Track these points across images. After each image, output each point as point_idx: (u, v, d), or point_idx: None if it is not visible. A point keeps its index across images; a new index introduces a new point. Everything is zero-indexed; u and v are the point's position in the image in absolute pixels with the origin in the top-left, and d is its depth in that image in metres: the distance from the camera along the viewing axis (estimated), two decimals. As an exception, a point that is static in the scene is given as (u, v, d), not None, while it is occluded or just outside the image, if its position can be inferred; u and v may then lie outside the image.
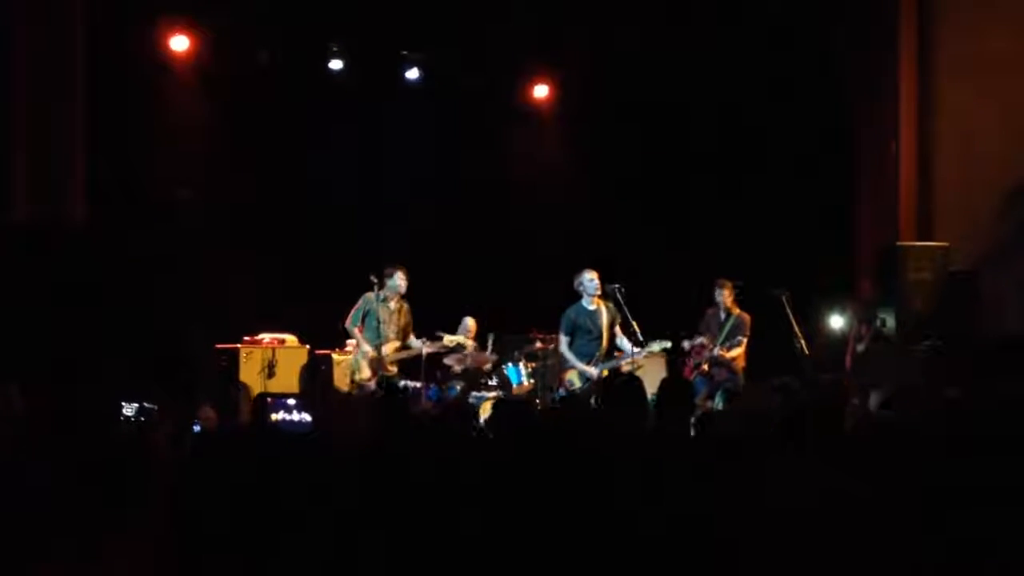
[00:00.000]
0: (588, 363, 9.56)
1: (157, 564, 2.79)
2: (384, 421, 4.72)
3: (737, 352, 10.17)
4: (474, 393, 10.76)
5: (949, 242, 10.62)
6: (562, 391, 9.70)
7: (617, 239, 12.38)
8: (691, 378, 10.10)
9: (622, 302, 9.61)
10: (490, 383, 10.98)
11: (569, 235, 12.65)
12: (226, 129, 11.98)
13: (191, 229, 11.71)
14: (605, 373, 9.38)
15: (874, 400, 7.18)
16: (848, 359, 10.42)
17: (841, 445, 4.07)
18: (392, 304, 10.13)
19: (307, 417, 6.95)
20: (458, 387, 10.98)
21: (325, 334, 10.81)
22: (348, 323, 10.12)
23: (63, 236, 9.30)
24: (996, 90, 10.81)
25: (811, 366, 9.94)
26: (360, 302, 10.13)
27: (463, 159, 12.92)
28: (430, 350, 10.23)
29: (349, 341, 10.55)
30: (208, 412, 6.02)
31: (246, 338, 10.76)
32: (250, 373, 10.55)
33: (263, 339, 10.78)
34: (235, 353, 10.63)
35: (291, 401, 7.72)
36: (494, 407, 8.42)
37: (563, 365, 9.91)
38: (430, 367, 10.83)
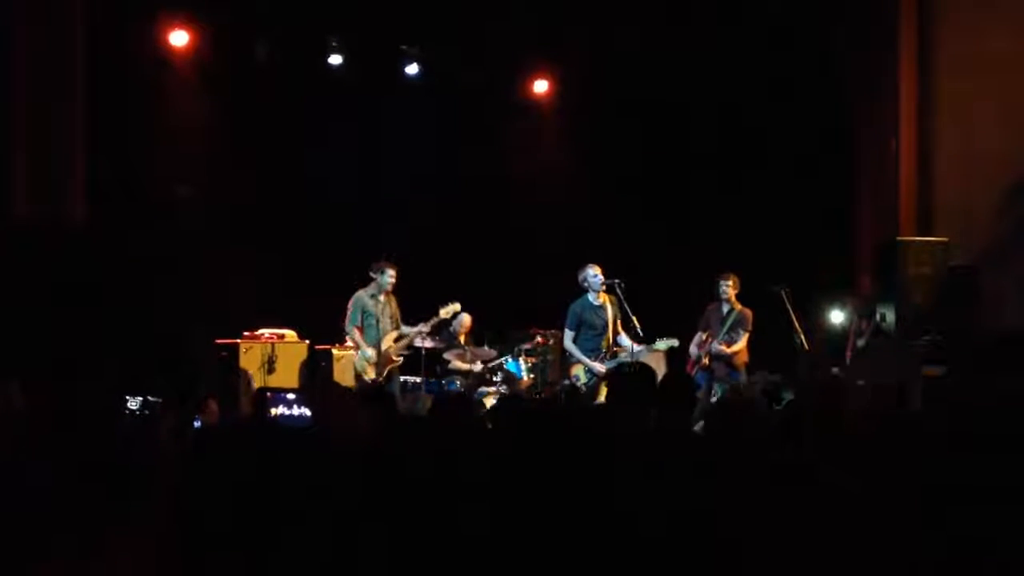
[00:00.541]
0: (593, 358, 9.55)
1: (159, 560, 2.80)
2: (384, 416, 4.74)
3: (738, 347, 10.17)
4: (481, 388, 10.80)
5: (949, 238, 10.62)
6: (567, 385, 9.69)
7: (617, 235, 12.38)
8: (692, 373, 10.11)
9: (622, 297, 9.61)
10: (494, 379, 11.00)
11: (569, 231, 12.65)
12: (225, 125, 11.98)
13: (191, 226, 11.72)
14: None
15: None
16: (848, 354, 10.43)
17: (840, 443, 4.07)
18: (381, 298, 10.13)
19: (306, 412, 6.95)
20: (457, 382, 11.01)
21: (325, 329, 10.82)
22: (347, 325, 10.11)
23: (63, 235, 9.29)
24: (995, 88, 10.80)
25: (809, 362, 9.95)
26: (352, 302, 10.12)
27: (462, 155, 12.92)
28: (426, 330, 10.19)
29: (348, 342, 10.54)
30: (211, 406, 6.02)
31: (246, 333, 10.76)
32: (250, 368, 10.55)
33: (263, 334, 10.78)
34: (235, 348, 10.63)
35: (291, 396, 7.72)
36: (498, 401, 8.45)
37: (568, 360, 9.90)
38: (430, 362, 10.87)
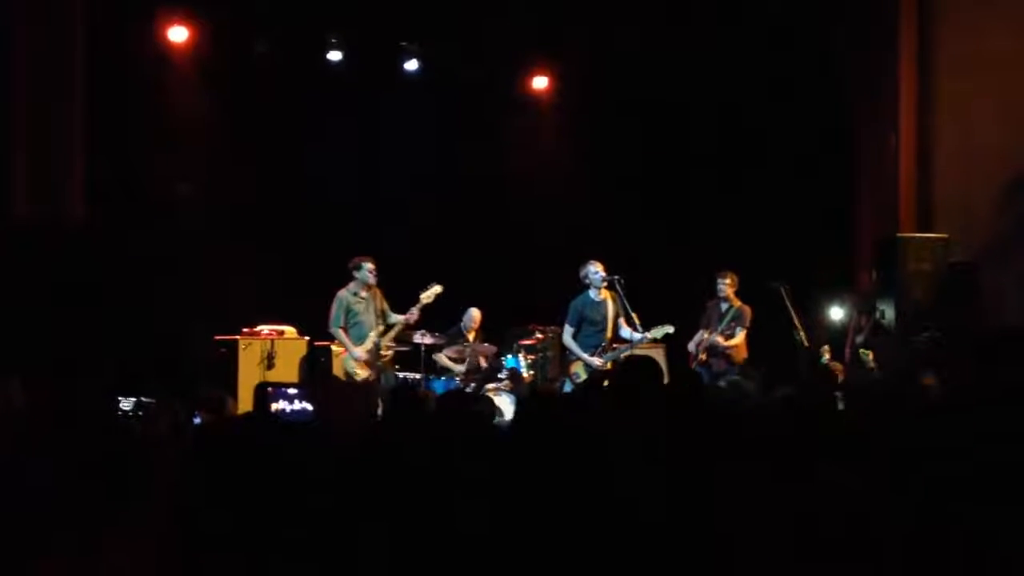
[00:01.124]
0: (593, 354, 9.54)
1: (159, 557, 2.80)
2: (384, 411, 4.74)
3: (735, 341, 10.16)
4: (488, 385, 10.81)
5: (948, 234, 10.62)
6: (568, 383, 9.68)
7: (617, 232, 12.37)
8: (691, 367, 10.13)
9: (622, 293, 9.60)
10: (499, 376, 11.00)
11: (568, 227, 12.64)
12: (225, 122, 11.97)
13: (190, 223, 11.72)
14: (610, 365, 9.38)
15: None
16: (847, 351, 10.44)
17: (837, 440, 4.06)
18: (363, 294, 9.95)
19: (308, 407, 6.94)
20: (457, 379, 11.01)
21: (324, 326, 10.81)
22: (331, 326, 9.93)
23: (62, 234, 9.29)
24: (995, 86, 10.80)
25: (808, 359, 9.95)
26: (335, 303, 9.92)
27: (462, 151, 12.91)
28: (413, 317, 10.07)
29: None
30: (228, 404, 6.01)
31: (245, 330, 10.75)
32: (249, 364, 10.54)
33: (262, 331, 10.77)
34: (234, 344, 10.62)
35: (291, 391, 7.70)
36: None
37: (568, 357, 9.88)
38: (428, 359, 10.87)
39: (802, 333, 10.03)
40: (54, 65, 10.38)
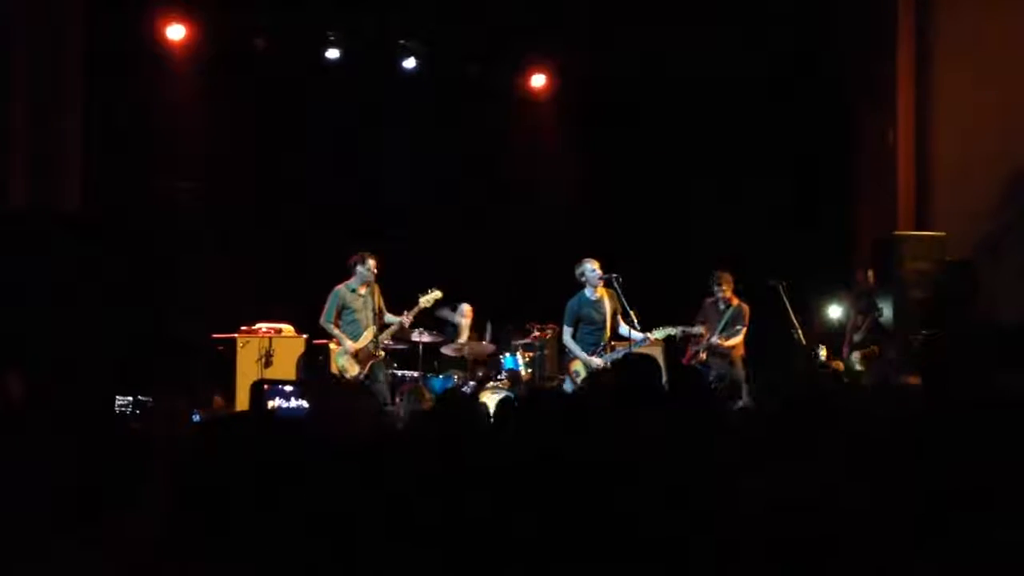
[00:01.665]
0: (592, 352, 9.52)
1: (155, 554, 2.79)
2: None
3: (735, 341, 10.18)
4: (487, 384, 10.80)
5: (946, 232, 10.64)
6: (568, 382, 9.68)
7: (615, 230, 12.38)
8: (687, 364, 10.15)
9: (620, 292, 9.59)
10: (498, 376, 11.00)
11: (567, 226, 12.65)
12: (223, 119, 11.95)
13: (188, 221, 11.72)
14: (609, 366, 9.37)
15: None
16: (845, 349, 10.45)
17: (835, 440, 4.05)
18: (363, 291, 9.91)
19: (304, 404, 6.94)
20: (456, 377, 11.00)
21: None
22: (323, 320, 9.88)
23: (60, 229, 9.27)
24: (994, 83, 10.81)
25: (806, 356, 9.96)
26: (331, 297, 9.87)
27: (460, 149, 12.91)
28: (408, 320, 10.08)
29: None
30: (216, 400, 6.03)
31: (243, 327, 10.75)
32: (247, 362, 10.54)
33: (260, 328, 10.76)
34: (232, 342, 10.62)
35: (288, 388, 7.70)
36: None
37: (568, 356, 9.86)
38: (428, 357, 10.88)
39: (799, 331, 10.03)
40: (53, 63, 10.37)
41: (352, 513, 3.06)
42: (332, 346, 10.68)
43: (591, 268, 9.57)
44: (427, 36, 12.76)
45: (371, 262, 9.84)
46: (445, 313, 11.36)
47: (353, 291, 9.90)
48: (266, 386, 6.71)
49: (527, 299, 11.91)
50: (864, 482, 3.47)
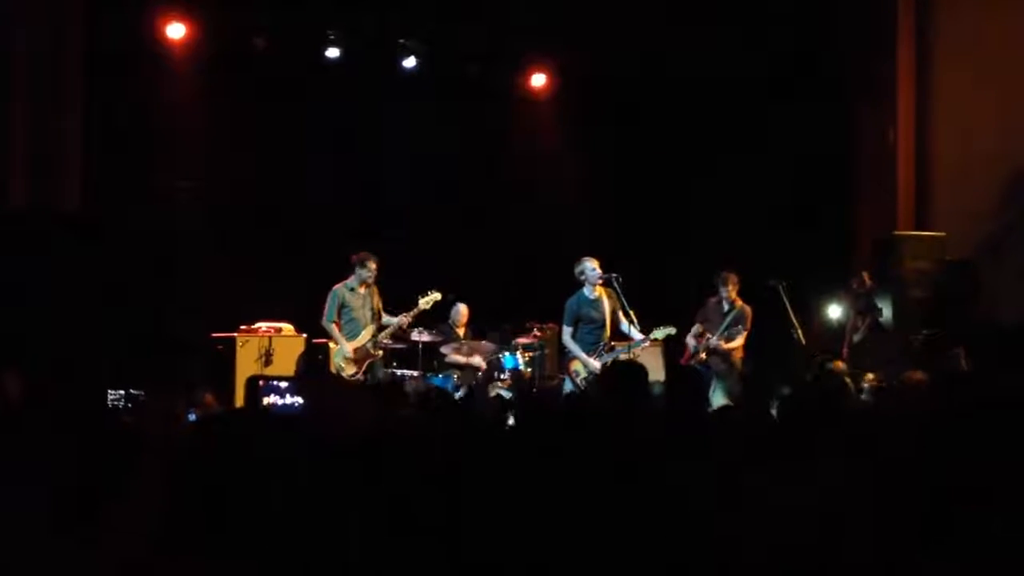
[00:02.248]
0: (592, 352, 9.51)
1: (150, 554, 2.79)
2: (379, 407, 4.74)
3: (736, 344, 10.16)
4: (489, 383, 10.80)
5: (946, 231, 10.63)
6: (569, 381, 9.67)
7: (615, 230, 12.37)
8: (686, 364, 10.13)
9: (620, 291, 9.57)
10: (500, 376, 10.99)
11: (567, 225, 12.64)
12: (223, 119, 11.94)
13: (188, 220, 11.72)
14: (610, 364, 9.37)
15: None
16: (845, 350, 10.42)
17: (839, 439, 4.05)
18: (362, 291, 9.95)
19: (299, 400, 6.93)
20: (455, 376, 11.00)
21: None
22: (324, 320, 9.94)
23: (59, 229, 9.26)
24: (994, 82, 10.81)
25: (804, 356, 9.94)
26: (331, 297, 9.92)
27: (460, 148, 12.91)
28: (408, 321, 10.09)
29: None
30: (207, 398, 6.01)
31: (243, 326, 10.75)
32: (247, 361, 10.53)
33: (260, 327, 10.76)
34: (231, 341, 10.61)
35: (283, 384, 7.67)
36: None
37: (568, 356, 9.86)
38: (426, 356, 10.87)
39: (799, 331, 10.02)
40: (53, 62, 10.37)
41: (345, 509, 3.06)
42: (331, 345, 10.68)
43: (590, 267, 9.55)
44: (427, 35, 12.76)
45: (372, 264, 9.89)
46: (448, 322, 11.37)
47: (352, 290, 9.93)
48: (261, 382, 6.69)
49: (527, 299, 11.91)
50: (867, 483, 3.46)
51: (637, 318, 9.50)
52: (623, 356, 9.53)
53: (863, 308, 10.35)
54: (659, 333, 9.54)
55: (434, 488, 3.37)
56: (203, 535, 2.77)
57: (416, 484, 3.39)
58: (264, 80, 12.11)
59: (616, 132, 12.99)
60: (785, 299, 9.99)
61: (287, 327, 10.87)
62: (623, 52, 12.51)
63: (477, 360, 11.19)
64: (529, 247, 12.73)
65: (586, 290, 9.56)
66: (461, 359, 11.21)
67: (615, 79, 12.86)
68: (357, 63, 12.63)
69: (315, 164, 12.52)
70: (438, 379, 10.85)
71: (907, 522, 3.21)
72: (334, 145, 12.60)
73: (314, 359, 10.61)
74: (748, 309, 10.24)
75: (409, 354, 10.86)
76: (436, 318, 11.15)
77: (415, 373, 10.69)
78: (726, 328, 10.16)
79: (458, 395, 10.41)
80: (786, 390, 5.65)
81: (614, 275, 9.57)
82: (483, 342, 11.42)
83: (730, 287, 10.24)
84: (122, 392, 8.58)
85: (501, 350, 11.34)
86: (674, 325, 9.79)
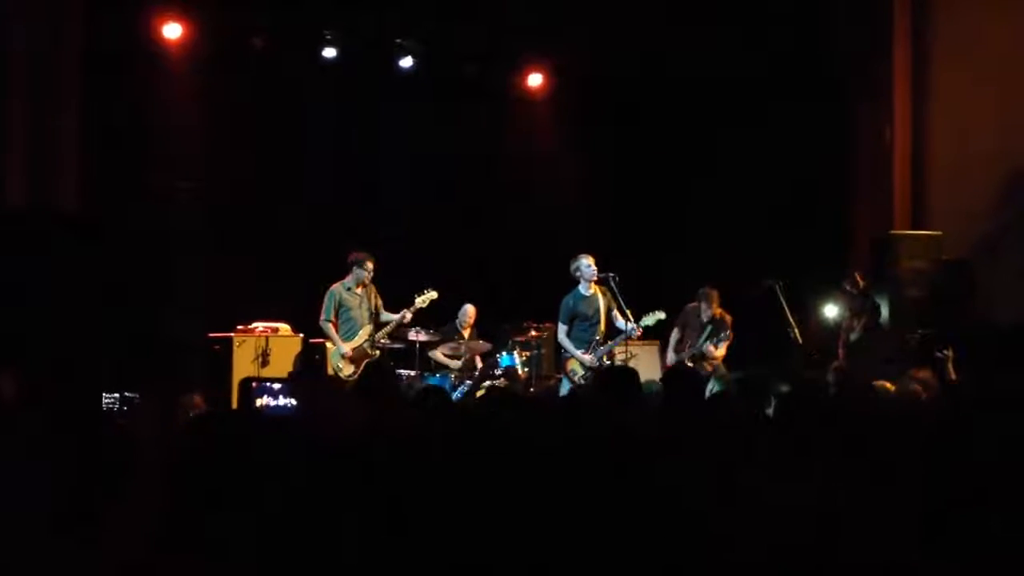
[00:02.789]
0: (587, 349, 9.52)
1: (144, 551, 2.79)
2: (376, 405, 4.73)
3: (722, 352, 10.20)
4: (484, 383, 10.79)
5: (943, 231, 10.63)
6: (566, 381, 9.68)
7: (612, 229, 12.37)
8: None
9: (616, 291, 9.58)
10: (495, 372, 10.99)
11: (564, 225, 12.64)
12: (220, 119, 11.93)
13: (185, 220, 11.70)
14: (605, 359, 9.38)
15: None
16: (841, 350, 10.42)
17: (837, 438, 4.05)
18: (359, 291, 9.99)
19: (292, 402, 6.94)
20: (452, 376, 11.00)
21: (318, 322, 10.79)
22: (322, 320, 9.99)
23: (57, 229, 9.25)
24: (992, 80, 10.81)
25: (802, 356, 9.95)
26: (328, 296, 9.98)
27: (457, 148, 12.90)
28: (406, 319, 10.08)
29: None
30: (196, 400, 6.01)
31: (239, 327, 10.74)
32: (244, 361, 10.53)
33: (256, 328, 10.75)
34: (228, 342, 10.60)
35: (276, 386, 7.69)
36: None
37: (564, 354, 9.87)
38: (424, 356, 10.87)
39: (796, 330, 10.02)
40: (50, 62, 10.35)
41: (339, 510, 3.06)
42: (328, 345, 10.68)
43: (586, 263, 9.58)
44: (424, 35, 12.74)
45: (369, 264, 9.96)
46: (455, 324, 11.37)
47: (349, 290, 9.99)
48: (254, 384, 6.71)
49: (524, 298, 11.90)
50: (865, 483, 3.46)
51: (633, 316, 9.51)
52: (617, 350, 9.55)
53: (858, 308, 10.35)
54: (649, 320, 9.57)
55: (430, 488, 3.36)
56: (198, 536, 2.77)
57: (412, 484, 3.39)
58: (261, 80, 12.09)
59: (614, 132, 12.98)
60: (782, 298, 9.99)
61: (284, 327, 10.86)
62: (621, 52, 12.50)
63: (461, 362, 11.18)
64: (526, 247, 12.72)
65: (581, 287, 9.59)
66: (447, 360, 11.23)
67: (613, 79, 12.85)
68: (354, 63, 12.62)
69: (312, 164, 12.51)
70: (435, 379, 10.85)
71: (906, 522, 3.22)
72: (331, 145, 12.59)
73: (311, 359, 10.62)
74: (729, 317, 10.27)
75: (406, 354, 10.85)
76: (441, 318, 11.15)
77: (412, 373, 10.69)
78: (710, 335, 10.16)
79: (455, 395, 10.43)
80: (783, 389, 5.66)
81: (611, 275, 9.58)
82: (480, 341, 11.42)
83: (713, 304, 10.26)
84: (117, 396, 8.57)
85: (498, 350, 11.34)
86: (670, 325, 9.81)
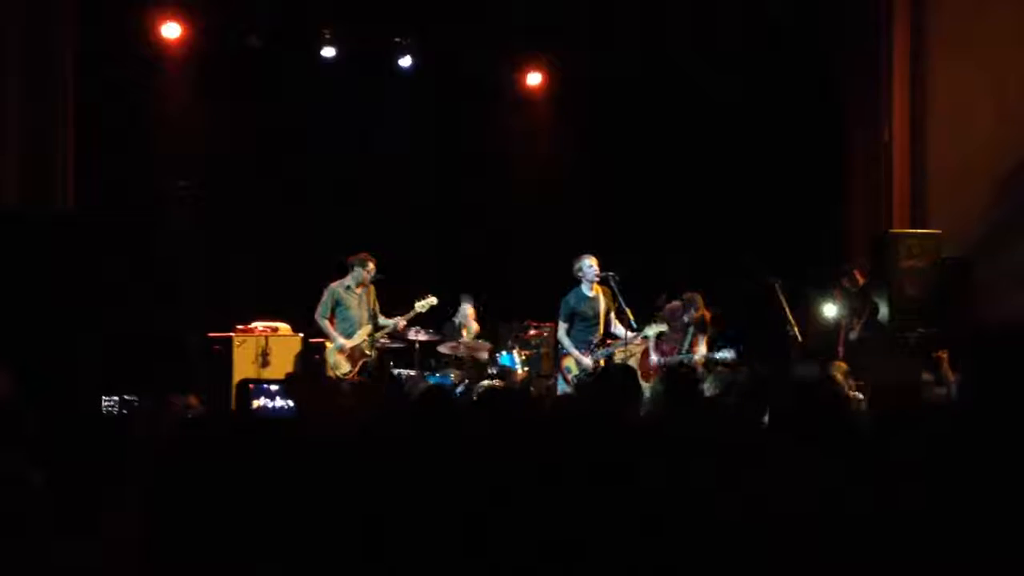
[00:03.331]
0: (585, 349, 9.52)
1: (139, 552, 2.79)
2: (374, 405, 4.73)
3: (702, 349, 10.17)
4: (482, 383, 10.78)
5: (942, 229, 10.62)
6: (560, 378, 9.67)
7: (612, 228, 12.36)
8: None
9: (616, 290, 9.58)
10: (491, 371, 10.98)
11: (564, 224, 12.63)
12: (219, 118, 11.92)
13: (184, 220, 11.69)
14: (602, 363, 9.35)
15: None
16: (840, 349, 10.41)
17: (839, 439, 4.04)
18: (358, 291, 10.03)
19: (289, 403, 6.94)
20: (452, 375, 10.98)
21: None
22: (317, 315, 10.04)
23: (53, 228, 9.26)
24: (990, 78, 10.80)
25: (801, 355, 9.94)
26: (326, 293, 10.03)
27: (457, 147, 12.89)
28: (403, 323, 10.12)
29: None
30: (191, 401, 6.01)
31: (239, 327, 10.73)
32: (244, 362, 10.53)
33: (256, 327, 10.75)
34: (228, 341, 10.60)
35: (273, 387, 7.67)
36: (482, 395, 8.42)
37: (561, 352, 9.87)
38: (424, 355, 10.86)
39: (795, 329, 10.01)
40: (47, 61, 10.35)
41: (335, 511, 3.06)
42: (327, 344, 10.68)
43: (588, 264, 9.58)
44: (424, 35, 12.73)
45: (370, 264, 10.00)
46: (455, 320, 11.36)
47: (348, 289, 10.00)
48: (251, 385, 6.71)
49: (524, 298, 11.90)
50: (865, 483, 3.46)
51: (634, 317, 9.50)
52: (617, 351, 9.54)
53: (858, 307, 10.34)
54: (650, 331, 9.55)
55: (427, 488, 3.36)
56: (194, 536, 2.77)
57: (409, 484, 3.39)
58: (260, 79, 12.09)
59: (614, 131, 12.97)
60: (782, 297, 9.98)
61: (284, 327, 10.86)
62: (621, 51, 12.49)
63: (472, 359, 11.17)
64: (527, 246, 12.71)
65: (583, 287, 9.59)
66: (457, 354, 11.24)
67: (613, 79, 12.84)
68: (354, 63, 12.61)
69: (312, 163, 12.50)
70: (435, 377, 10.84)
71: (905, 522, 3.21)
72: (331, 144, 12.58)
73: (311, 359, 10.63)
74: (707, 313, 10.22)
75: (406, 353, 10.85)
76: (443, 317, 11.14)
77: (412, 372, 10.68)
78: (692, 338, 10.09)
79: (457, 392, 10.42)
80: (782, 388, 5.65)
81: (611, 274, 9.58)
82: (479, 341, 11.41)
83: (700, 308, 10.22)
84: (116, 399, 8.56)
85: (498, 349, 11.33)
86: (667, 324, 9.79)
